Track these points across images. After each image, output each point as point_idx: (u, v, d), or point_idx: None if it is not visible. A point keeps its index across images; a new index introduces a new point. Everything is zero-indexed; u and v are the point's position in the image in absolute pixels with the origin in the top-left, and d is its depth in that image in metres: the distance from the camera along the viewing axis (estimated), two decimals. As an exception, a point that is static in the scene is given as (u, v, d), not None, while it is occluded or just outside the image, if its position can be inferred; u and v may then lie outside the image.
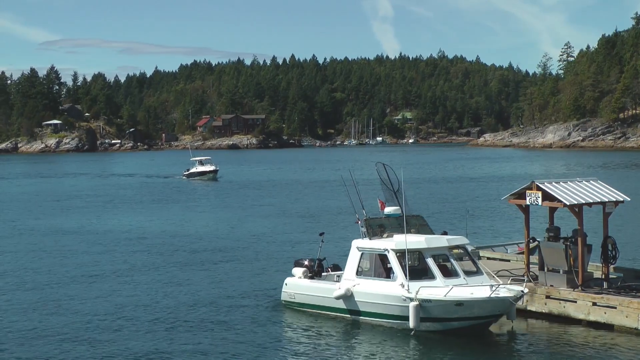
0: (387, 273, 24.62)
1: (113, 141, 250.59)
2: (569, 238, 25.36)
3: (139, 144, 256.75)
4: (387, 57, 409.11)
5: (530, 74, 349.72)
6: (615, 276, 26.14)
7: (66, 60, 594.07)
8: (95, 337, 24.28)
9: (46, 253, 41.24)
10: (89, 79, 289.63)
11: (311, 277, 27.11)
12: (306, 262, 27.61)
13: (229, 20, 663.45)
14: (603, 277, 25.57)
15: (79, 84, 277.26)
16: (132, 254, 40.42)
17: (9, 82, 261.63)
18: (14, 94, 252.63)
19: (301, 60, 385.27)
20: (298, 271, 27.29)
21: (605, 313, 23.35)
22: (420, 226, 26.35)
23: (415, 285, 23.25)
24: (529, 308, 25.23)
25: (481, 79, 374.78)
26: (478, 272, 24.63)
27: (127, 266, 36.85)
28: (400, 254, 24.02)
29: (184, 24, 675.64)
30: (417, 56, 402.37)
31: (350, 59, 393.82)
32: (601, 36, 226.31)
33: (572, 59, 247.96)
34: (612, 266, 26.07)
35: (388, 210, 26.87)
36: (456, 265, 24.26)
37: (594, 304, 23.64)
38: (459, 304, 22.56)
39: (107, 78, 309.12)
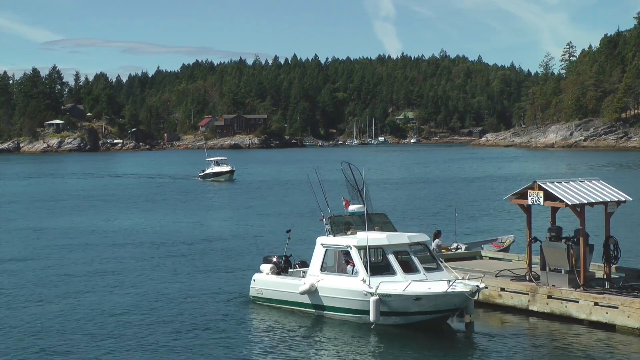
0: (350, 269, 25.26)
1: (115, 141, 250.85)
2: (570, 238, 25.33)
3: (140, 143, 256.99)
4: (389, 56, 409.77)
5: (532, 73, 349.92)
6: (617, 276, 26.12)
7: (68, 60, 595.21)
8: (62, 331, 24.73)
9: (39, 251, 41.80)
10: (91, 78, 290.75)
11: (278, 274, 27.78)
12: (274, 259, 28.30)
13: (231, 20, 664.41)
14: (605, 277, 25.53)
15: (81, 83, 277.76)
16: (117, 252, 41.07)
17: (11, 82, 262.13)
18: (16, 93, 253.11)
19: (303, 60, 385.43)
20: (266, 267, 28.01)
21: (607, 313, 23.30)
22: (384, 224, 27.12)
23: (376, 280, 23.92)
24: (530, 308, 25.22)
25: (483, 79, 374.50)
26: (438, 267, 25.42)
27: (104, 263, 37.65)
28: (362, 251, 24.70)
29: (186, 23, 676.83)
30: (419, 56, 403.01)
31: (352, 59, 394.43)
32: (603, 36, 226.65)
33: (574, 58, 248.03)
34: (614, 266, 26.03)
35: (352, 208, 27.62)
36: (416, 261, 25.00)
37: (596, 304, 23.59)
38: (418, 298, 23.26)
39: (109, 78, 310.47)
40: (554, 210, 26.64)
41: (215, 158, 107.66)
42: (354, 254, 24.88)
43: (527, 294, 25.38)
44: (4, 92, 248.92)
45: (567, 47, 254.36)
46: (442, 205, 63.67)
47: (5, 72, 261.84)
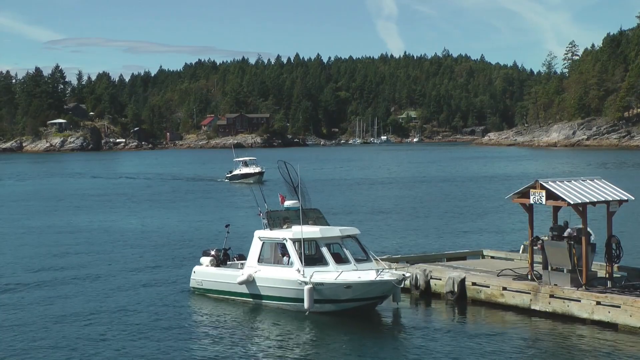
0: (286, 260, 26.78)
1: (117, 140, 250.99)
2: (572, 237, 25.28)
3: (143, 143, 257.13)
4: (392, 56, 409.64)
5: (535, 72, 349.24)
6: (619, 275, 26.12)
7: (71, 59, 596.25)
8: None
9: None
10: (93, 78, 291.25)
11: (217, 266, 29.27)
12: (213, 252, 29.73)
13: (233, 20, 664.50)
14: (607, 276, 25.52)
15: (83, 83, 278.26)
16: (71, 248, 42.06)
17: (13, 81, 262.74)
18: (18, 93, 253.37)
19: (305, 59, 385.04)
20: (205, 260, 29.46)
21: (609, 312, 23.29)
22: (317, 218, 28.60)
23: (309, 270, 25.61)
24: (532, 307, 25.19)
25: (485, 78, 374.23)
26: (367, 259, 27.00)
27: (52, 257, 38.94)
28: (297, 243, 26.32)
29: (189, 23, 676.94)
30: (421, 55, 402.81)
31: (354, 58, 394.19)
32: (606, 35, 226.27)
33: (576, 57, 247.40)
34: (616, 265, 26.03)
35: (287, 203, 28.98)
36: (347, 252, 26.68)
37: (598, 303, 23.57)
38: (348, 286, 25.04)
39: (111, 77, 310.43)
40: (556, 209, 26.63)
41: (244, 158, 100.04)
42: (290, 246, 26.43)
43: (529, 293, 25.36)
44: (6, 91, 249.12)
45: (570, 46, 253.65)
46: (447, 204, 63.65)
47: (8, 72, 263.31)
